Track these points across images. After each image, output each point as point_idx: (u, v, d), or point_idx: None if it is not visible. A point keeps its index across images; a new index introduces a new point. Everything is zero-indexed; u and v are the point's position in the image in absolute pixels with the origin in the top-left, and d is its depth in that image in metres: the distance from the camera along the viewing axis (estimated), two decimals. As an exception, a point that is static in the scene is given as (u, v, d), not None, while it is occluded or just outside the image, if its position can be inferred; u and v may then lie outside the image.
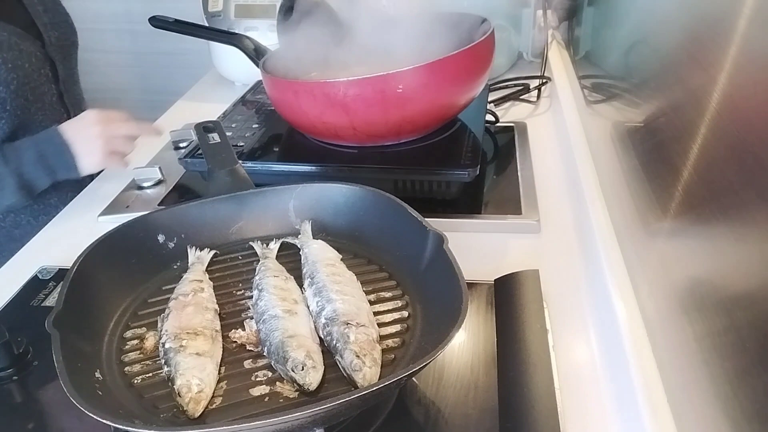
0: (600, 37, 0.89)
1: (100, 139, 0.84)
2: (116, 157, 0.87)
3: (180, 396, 0.47)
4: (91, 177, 0.94)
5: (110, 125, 0.85)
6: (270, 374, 0.50)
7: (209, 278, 0.61)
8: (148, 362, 0.52)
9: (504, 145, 0.94)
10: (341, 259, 0.62)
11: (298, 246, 0.65)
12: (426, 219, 0.58)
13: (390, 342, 0.52)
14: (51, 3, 1.02)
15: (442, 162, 0.77)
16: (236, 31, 1.00)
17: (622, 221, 0.61)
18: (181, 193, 0.87)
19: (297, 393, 0.48)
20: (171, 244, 0.65)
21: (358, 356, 0.48)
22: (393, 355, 0.51)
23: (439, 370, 0.54)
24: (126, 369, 0.52)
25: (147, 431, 0.44)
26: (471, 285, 0.55)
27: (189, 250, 0.65)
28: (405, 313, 0.55)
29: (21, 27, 0.93)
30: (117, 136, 0.86)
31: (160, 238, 0.64)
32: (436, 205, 0.77)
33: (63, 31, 1.02)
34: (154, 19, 0.91)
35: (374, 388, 0.42)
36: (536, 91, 1.09)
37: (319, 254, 0.61)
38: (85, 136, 0.85)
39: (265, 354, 0.52)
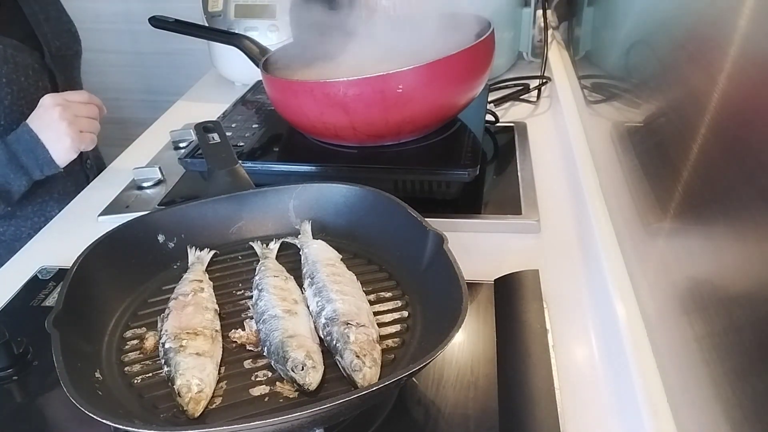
0: (600, 37, 0.89)
1: (64, 121, 0.82)
2: (86, 137, 0.84)
3: (180, 396, 0.47)
4: (87, 180, 0.93)
5: (70, 107, 0.83)
6: (270, 374, 0.50)
7: (209, 278, 0.61)
8: (148, 362, 0.52)
9: (504, 145, 0.94)
10: (341, 259, 0.62)
11: (298, 246, 0.65)
12: (426, 219, 0.58)
13: (390, 342, 0.52)
14: (54, 12, 1.00)
15: (442, 162, 0.77)
16: (236, 31, 1.01)
17: (622, 221, 0.61)
18: (181, 193, 0.87)
19: (297, 393, 0.48)
20: (171, 244, 0.65)
21: (358, 356, 0.48)
22: (393, 355, 0.51)
23: (439, 370, 0.54)
24: (126, 369, 0.51)
25: (147, 431, 0.44)
26: (471, 285, 0.55)
27: (189, 250, 0.65)
28: (405, 313, 0.55)
29: (19, 38, 0.91)
30: (79, 115, 0.84)
31: (160, 238, 0.64)
32: (436, 205, 0.77)
33: (65, 40, 1.00)
34: (154, 19, 0.91)
35: (374, 388, 0.42)
36: (536, 91, 1.09)
37: (319, 254, 0.61)
38: (48, 123, 0.83)
39: (265, 354, 0.52)
